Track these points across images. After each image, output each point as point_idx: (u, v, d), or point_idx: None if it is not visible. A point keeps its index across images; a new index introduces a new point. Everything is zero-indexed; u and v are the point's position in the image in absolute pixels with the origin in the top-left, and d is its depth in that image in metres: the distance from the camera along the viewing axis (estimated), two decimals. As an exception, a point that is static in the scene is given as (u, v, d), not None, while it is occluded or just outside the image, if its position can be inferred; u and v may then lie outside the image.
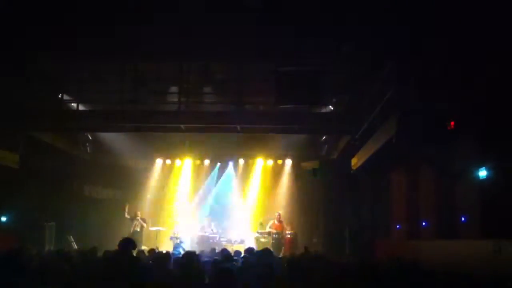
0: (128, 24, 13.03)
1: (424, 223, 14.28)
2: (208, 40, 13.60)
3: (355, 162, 15.80)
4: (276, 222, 19.08)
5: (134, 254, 8.89)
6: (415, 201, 15.04)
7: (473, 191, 11.36)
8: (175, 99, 16.11)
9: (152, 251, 11.36)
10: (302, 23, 12.35)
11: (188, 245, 18.52)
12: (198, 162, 21.81)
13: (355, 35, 12.34)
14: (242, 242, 18.71)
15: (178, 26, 13.06)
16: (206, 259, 9.67)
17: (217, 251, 11.58)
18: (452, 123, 10.69)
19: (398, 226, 16.31)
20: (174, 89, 16.55)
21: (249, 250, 11.01)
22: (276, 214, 19.36)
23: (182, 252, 13.79)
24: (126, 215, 18.96)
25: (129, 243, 8.04)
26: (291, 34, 12.90)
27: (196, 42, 13.69)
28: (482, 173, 10.73)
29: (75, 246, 16.63)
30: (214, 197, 21.63)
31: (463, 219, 11.98)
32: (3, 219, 15.94)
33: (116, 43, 14.02)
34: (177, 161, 21.80)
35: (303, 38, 13.04)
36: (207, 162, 21.80)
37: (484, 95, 9.86)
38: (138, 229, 18.76)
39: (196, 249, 15.05)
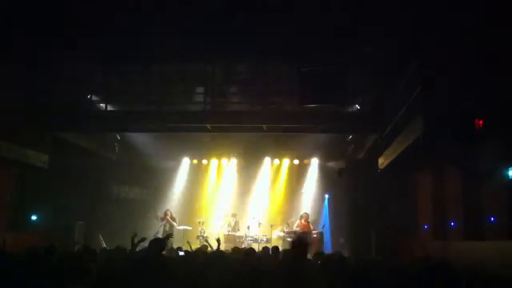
0: (153, 25, 13.16)
1: (451, 224, 14.13)
2: (232, 41, 13.65)
3: (382, 161, 15.70)
4: (303, 221, 19.05)
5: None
6: (442, 201, 14.88)
7: (501, 191, 11.21)
8: (201, 99, 16.22)
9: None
10: (324, 23, 12.31)
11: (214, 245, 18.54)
12: (224, 161, 21.92)
13: (378, 35, 12.25)
14: (268, 241, 18.71)
15: (203, 26, 13.13)
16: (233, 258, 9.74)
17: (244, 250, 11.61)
18: (481, 122, 10.56)
19: (425, 227, 16.17)
20: (200, 89, 16.65)
21: (274, 249, 11.05)
22: (303, 213, 19.34)
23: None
24: (157, 215, 19.13)
25: (159, 243, 8.14)
26: (313, 34, 12.87)
27: (221, 42, 13.75)
28: (511, 173, 10.59)
29: (104, 245, 16.84)
30: (239, 196, 21.68)
31: (492, 219, 11.83)
32: (33, 218, 16.23)
33: (141, 43, 14.17)
34: (204, 161, 21.96)
35: (326, 38, 12.99)
36: (233, 161, 21.90)
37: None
38: (168, 229, 18.87)
39: (223, 248, 15.11)
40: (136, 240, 9.50)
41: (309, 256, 14.77)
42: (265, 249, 11.22)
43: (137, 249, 9.38)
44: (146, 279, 7.15)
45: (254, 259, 8.93)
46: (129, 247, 10.30)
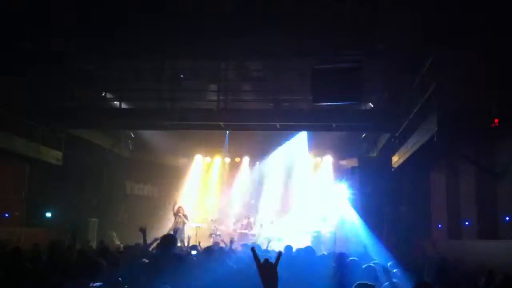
0: (166, 22, 13.19)
1: (466, 223, 14.04)
2: (245, 39, 13.65)
3: (396, 160, 15.62)
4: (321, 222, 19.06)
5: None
6: (456, 200, 14.79)
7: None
8: (214, 97, 16.25)
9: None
10: (336, 21, 12.26)
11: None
12: (237, 159, 21.95)
13: (392, 32, 12.17)
14: (280, 240, 18.69)
15: (216, 24, 13.14)
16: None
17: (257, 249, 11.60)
18: (496, 120, 10.47)
19: (440, 226, 16.07)
20: (213, 87, 16.67)
21: (288, 248, 11.01)
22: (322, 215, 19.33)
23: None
24: (172, 211, 19.21)
25: (171, 240, 8.13)
26: (326, 32, 12.83)
27: (234, 40, 13.75)
28: (526, 172, 10.52)
29: (118, 242, 16.92)
30: (253, 195, 21.68)
31: (506, 219, 11.74)
32: (47, 214, 16.35)
33: (154, 41, 14.21)
34: (217, 158, 21.99)
35: (340, 36, 12.93)
36: (246, 159, 21.92)
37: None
38: (181, 226, 18.89)
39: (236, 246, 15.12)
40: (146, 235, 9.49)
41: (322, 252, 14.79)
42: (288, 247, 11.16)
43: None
44: (158, 276, 7.17)
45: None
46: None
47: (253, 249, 3.42)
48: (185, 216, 19.23)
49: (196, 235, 19.14)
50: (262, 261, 3.29)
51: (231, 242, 12.13)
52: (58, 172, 15.88)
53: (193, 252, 10.84)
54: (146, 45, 14.29)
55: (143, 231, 9.40)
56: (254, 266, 3.30)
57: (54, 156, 15.80)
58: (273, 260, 3.32)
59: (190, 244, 12.80)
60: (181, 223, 18.96)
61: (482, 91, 10.42)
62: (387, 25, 12.11)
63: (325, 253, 12.37)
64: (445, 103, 11.00)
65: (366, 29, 12.51)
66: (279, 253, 3.46)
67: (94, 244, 15.52)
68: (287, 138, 19.91)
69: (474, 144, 11.72)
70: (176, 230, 17.90)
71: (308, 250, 9.66)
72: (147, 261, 7.88)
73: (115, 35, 13.67)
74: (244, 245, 12.19)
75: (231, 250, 11.03)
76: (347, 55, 14.33)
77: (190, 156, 21.96)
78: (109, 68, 16.33)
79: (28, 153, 14.69)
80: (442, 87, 10.95)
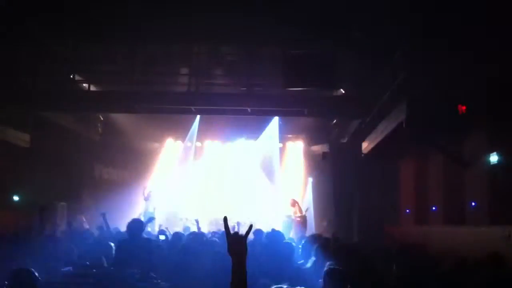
0: (139, 5, 13.02)
1: (433, 208, 14.26)
2: (218, 22, 13.55)
3: (366, 146, 15.77)
4: (290, 206, 19.13)
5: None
6: (424, 186, 15.02)
7: (483, 177, 11.33)
8: (186, 81, 16.12)
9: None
10: (312, 9, 12.24)
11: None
12: (207, 143, 21.84)
13: (365, 20, 12.21)
14: (252, 224, 18.70)
15: (190, 8, 13.02)
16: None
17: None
18: (463, 108, 10.63)
19: (407, 211, 16.32)
20: (185, 70, 16.55)
21: (257, 232, 11.05)
22: (289, 199, 19.40)
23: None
24: (143, 195, 19.08)
25: (138, 224, 8.09)
26: (301, 18, 12.80)
27: (207, 24, 13.64)
28: (493, 158, 10.69)
29: (87, 226, 16.76)
30: (224, 178, 21.63)
31: (472, 204, 11.95)
32: (15, 198, 16.11)
33: (127, 24, 14.03)
34: (188, 142, 21.83)
35: (313, 22, 12.92)
36: (217, 143, 21.83)
37: (497, 79, 9.77)
38: (152, 210, 18.79)
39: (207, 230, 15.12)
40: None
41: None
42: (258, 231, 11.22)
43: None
44: (125, 260, 7.15)
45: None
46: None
47: (225, 218, 3.39)
48: (151, 197, 19.09)
49: (166, 219, 19.08)
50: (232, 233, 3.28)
51: (197, 223, 12.18)
52: (26, 155, 15.61)
53: (162, 237, 10.83)
54: (117, 26, 14.08)
55: (103, 215, 9.56)
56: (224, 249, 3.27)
57: (22, 138, 15.54)
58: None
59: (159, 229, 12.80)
60: (152, 208, 18.87)
61: (451, 79, 10.56)
62: (362, 13, 12.11)
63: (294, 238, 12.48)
64: (414, 90, 11.13)
65: (340, 17, 12.50)
66: (250, 226, 3.45)
67: (62, 228, 15.37)
68: (259, 123, 19.87)
69: (443, 131, 11.88)
70: (147, 214, 17.83)
71: (276, 235, 9.73)
72: (113, 244, 7.85)
73: (85, 15, 13.42)
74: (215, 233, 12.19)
75: (200, 232, 11.05)
76: (320, 42, 14.35)
77: (161, 140, 21.78)
78: (78, 49, 16.04)
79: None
80: (412, 74, 11.06)
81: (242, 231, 3.43)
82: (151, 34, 14.73)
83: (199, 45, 15.76)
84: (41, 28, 14.10)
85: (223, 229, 3.59)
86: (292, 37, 14.05)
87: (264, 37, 14.41)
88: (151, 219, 11.46)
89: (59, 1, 12.92)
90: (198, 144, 21.83)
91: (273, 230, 10.79)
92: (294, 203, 19.14)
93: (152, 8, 13.20)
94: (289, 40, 14.49)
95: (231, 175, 21.64)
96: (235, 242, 3.26)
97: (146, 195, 19.11)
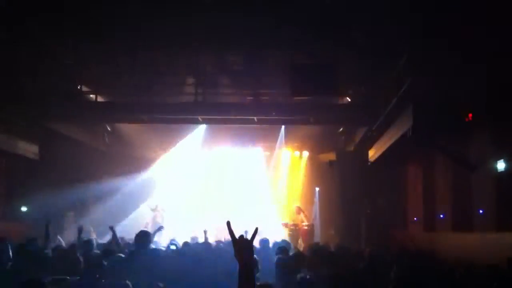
0: (143, 15, 13.06)
1: (441, 216, 14.22)
2: (223, 31, 13.58)
3: (372, 153, 15.76)
4: (295, 214, 19.15)
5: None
6: (431, 193, 14.98)
7: (490, 183, 11.29)
8: (192, 91, 16.18)
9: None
10: (314, 15, 12.24)
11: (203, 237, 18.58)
12: (214, 153, 21.84)
13: (368, 26, 12.20)
14: (257, 227, 18.65)
15: (194, 16, 13.04)
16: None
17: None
18: (470, 114, 10.62)
19: (415, 219, 16.27)
20: (190, 80, 16.61)
21: (264, 241, 11.05)
22: (294, 207, 19.40)
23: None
24: (148, 206, 19.10)
25: (146, 237, 8.12)
26: (304, 25, 12.80)
27: (212, 32, 13.68)
28: (500, 165, 10.65)
29: (95, 236, 16.78)
30: (229, 189, 21.62)
31: (480, 211, 11.92)
32: (24, 209, 16.17)
33: (132, 34, 14.09)
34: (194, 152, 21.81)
35: (316, 30, 12.92)
36: (224, 153, 21.82)
37: (503, 85, 9.75)
38: (160, 220, 18.79)
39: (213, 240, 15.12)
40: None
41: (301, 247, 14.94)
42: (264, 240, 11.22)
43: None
44: (133, 271, 7.15)
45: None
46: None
47: (228, 223, 3.35)
48: (164, 210, 19.17)
49: (174, 229, 19.07)
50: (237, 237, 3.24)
51: (205, 233, 12.20)
52: (35, 166, 15.72)
53: (172, 247, 10.85)
54: (123, 36, 14.15)
55: (112, 228, 9.69)
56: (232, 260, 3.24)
57: (30, 150, 15.65)
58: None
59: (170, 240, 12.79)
60: (160, 217, 18.90)
61: (457, 85, 10.55)
62: (365, 19, 12.11)
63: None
64: (420, 97, 11.12)
65: (342, 24, 12.50)
66: (256, 229, 3.40)
67: (70, 238, 15.40)
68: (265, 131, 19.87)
69: (449, 137, 11.87)
70: (154, 225, 17.85)
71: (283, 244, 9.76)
72: (123, 256, 7.86)
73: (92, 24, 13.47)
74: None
75: (206, 243, 11.05)
76: (325, 49, 14.36)
77: (167, 149, 21.79)
78: (86, 61, 16.14)
79: (4, 147, 14.53)
80: (417, 81, 11.06)
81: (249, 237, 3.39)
82: (157, 44, 14.80)
83: (204, 54, 15.81)
84: (47, 38, 14.15)
85: (228, 237, 3.57)
86: (294, 39, 14.00)
87: (267, 45, 14.43)
88: (160, 228, 11.48)
89: (62, 11, 12.92)
90: (204, 152, 21.81)
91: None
92: (299, 211, 19.14)
93: (154, 13, 13.21)
94: (293, 47, 14.51)
95: (237, 183, 21.64)
96: (242, 246, 3.22)
97: (153, 206, 19.15)
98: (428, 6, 10.29)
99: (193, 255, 8.40)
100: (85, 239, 10.32)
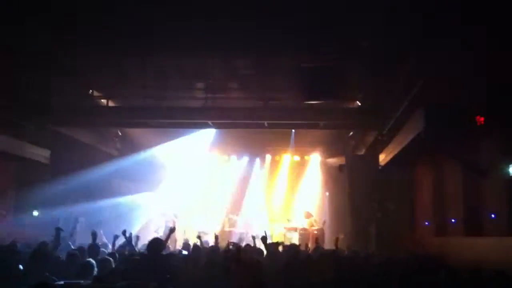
0: (152, 19, 13.05)
1: (452, 220, 14.15)
2: (232, 35, 13.55)
3: (383, 157, 15.71)
4: (304, 218, 19.14)
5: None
6: (442, 197, 14.91)
7: (501, 188, 11.24)
8: (202, 95, 16.22)
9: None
10: (323, 19, 12.18)
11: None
12: (224, 157, 21.88)
13: (376, 29, 12.11)
14: (268, 237, 18.68)
15: (203, 20, 13.02)
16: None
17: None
18: (482, 118, 10.57)
19: (426, 223, 16.19)
20: (200, 85, 16.63)
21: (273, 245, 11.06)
22: (304, 211, 19.41)
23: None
24: (160, 211, 19.14)
25: (158, 244, 8.18)
26: (313, 30, 12.75)
27: (220, 36, 13.66)
28: (512, 170, 10.61)
29: (105, 241, 16.82)
30: (240, 193, 21.64)
31: (492, 216, 11.85)
32: (35, 214, 16.25)
33: (142, 37, 14.10)
34: (204, 157, 21.86)
35: (325, 34, 12.86)
36: (233, 157, 21.86)
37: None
38: (171, 225, 18.80)
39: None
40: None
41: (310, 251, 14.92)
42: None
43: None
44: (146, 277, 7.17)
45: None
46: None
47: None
48: (175, 215, 19.19)
49: (184, 233, 19.11)
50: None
51: (216, 239, 12.20)
52: (46, 171, 15.80)
53: (185, 253, 10.90)
54: (132, 40, 14.16)
55: (124, 233, 9.85)
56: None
57: (42, 154, 15.73)
58: None
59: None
60: (172, 222, 18.91)
61: (468, 89, 10.50)
62: (374, 22, 12.00)
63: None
64: (431, 100, 11.08)
65: (350, 27, 12.42)
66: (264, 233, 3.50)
67: (83, 243, 15.42)
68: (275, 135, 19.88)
69: (460, 141, 11.81)
70: (166, 229, 17.87)
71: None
72: (138, 257, 7.93)
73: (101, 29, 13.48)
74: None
75: (217, 247, 11.07)
76: (334, 53, 14.30)
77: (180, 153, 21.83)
78: (96, 65, 16.19)
79: (15, 152, 14.61)
80: (429, 84, 11.01)
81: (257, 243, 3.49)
82: (166, 48, 14.81)
83: (214, 58, 15.81)
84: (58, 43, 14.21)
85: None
86: (306, 48, 13.95)
87: (277, 49, 14.40)
88: (171, 230, 11.51)
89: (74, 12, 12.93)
90: (214, 156, 21.86)
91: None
92: (309, 215, 19.14)
93: (168, 22, 13.21)
94: (303, 51, 14.47)
95: (248, 188, 21.67)
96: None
97: (163, 210, 19.20)
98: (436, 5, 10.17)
99: (205, 261, 8.43)
100: (99, 243, 10.41)
